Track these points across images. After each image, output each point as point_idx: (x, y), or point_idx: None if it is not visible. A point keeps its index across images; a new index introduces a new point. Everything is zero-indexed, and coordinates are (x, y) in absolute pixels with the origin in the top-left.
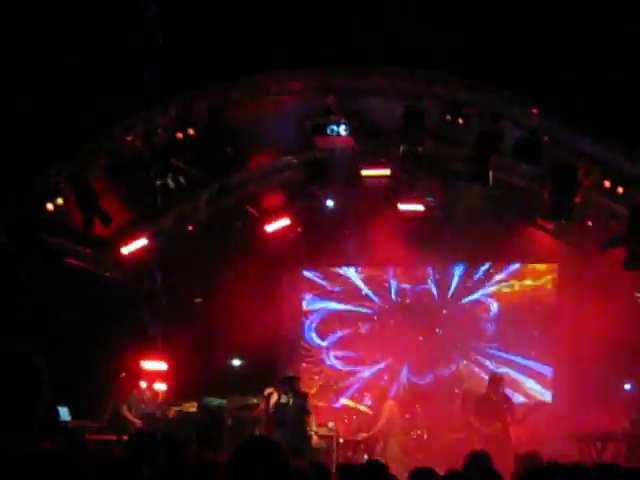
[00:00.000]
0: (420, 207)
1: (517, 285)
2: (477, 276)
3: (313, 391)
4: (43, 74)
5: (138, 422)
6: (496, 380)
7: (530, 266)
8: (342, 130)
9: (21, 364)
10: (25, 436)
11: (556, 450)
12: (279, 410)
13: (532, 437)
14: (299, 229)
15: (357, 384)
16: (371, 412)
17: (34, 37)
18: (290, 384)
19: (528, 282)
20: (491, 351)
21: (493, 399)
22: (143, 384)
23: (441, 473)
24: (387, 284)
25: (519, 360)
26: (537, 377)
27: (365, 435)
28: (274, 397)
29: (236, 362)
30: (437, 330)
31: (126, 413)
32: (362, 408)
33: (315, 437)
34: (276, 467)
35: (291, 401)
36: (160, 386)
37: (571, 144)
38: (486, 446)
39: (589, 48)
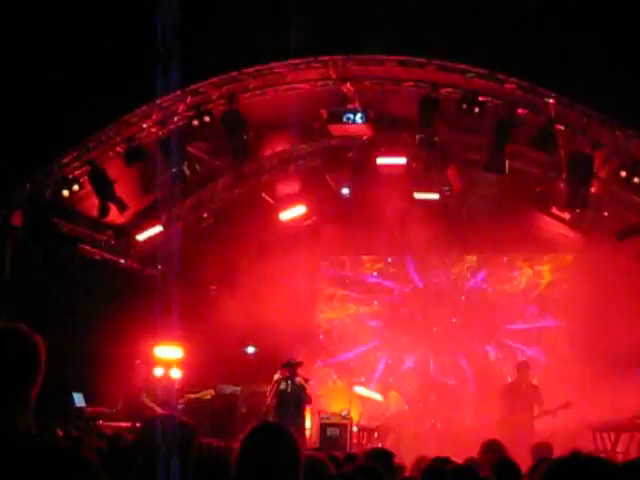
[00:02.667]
0: (435, 196)
1: (533, 273)
2: (493, 265)
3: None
4: (61, 60)
5: (157, 409)
6: (522, 367)
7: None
8: (358, 118)
9: (11, 340)
10: (9, 416)
11: (570, 440)
12: (279, 397)
13: (547, 427)
14: (314, 217)
15: (369, 373)
16: (384, 401)
17: (53, 22)
18: (290, 369)
19: (544, 268)
20: (505, 341)
21: (522, 388)
22: (159, 372)
23: (457, 461)
24: (401, 273)
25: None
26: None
27: (377, 423)
28: (282, 384)
29: (250, 350)
30: (453, 319)
31: (146, 401)
32: (375, 396)
33: (307, 434)
34: (286, 453)
35: (290, 388)
36: (176, 373)
37: (587, 133)
38: (508, 435)
39: (607, 39)
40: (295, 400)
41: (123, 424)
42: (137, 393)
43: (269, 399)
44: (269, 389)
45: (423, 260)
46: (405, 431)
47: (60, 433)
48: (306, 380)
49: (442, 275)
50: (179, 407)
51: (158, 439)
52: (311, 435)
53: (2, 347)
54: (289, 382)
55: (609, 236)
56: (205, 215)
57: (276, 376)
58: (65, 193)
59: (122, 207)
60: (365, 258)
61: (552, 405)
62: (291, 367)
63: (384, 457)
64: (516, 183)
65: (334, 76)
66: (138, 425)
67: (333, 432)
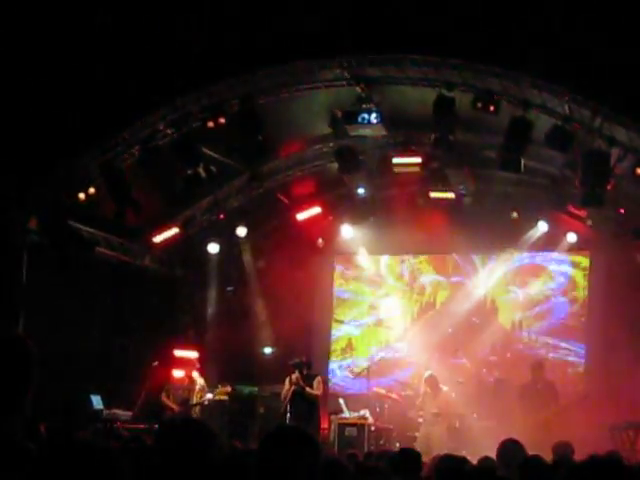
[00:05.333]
0: (451, 195)
1: (550, 272)
2: (510, 264)
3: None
4: (75, 62)
5: (176, 408)
6: (537, 366)
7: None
8: (373, 118)
9: (6, 348)
10: (4, 425)
11: (589, 439)
12: (293, 398)
13: (565, 426)
14: (330, 217)
15: (387, 372)
16: (401, 400)
17: (66, 24)
18: (300, 369)
19: (561, 267)
20: (524, 339)
21: (537, 387)
22: (180, 372)
23: (473, 461)
24: (418, 272)
25: (551, 348)
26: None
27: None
28: (294, 385)
29: (267, 350)
30: (474, 319)
31: (165, 400)
32: (394, 396)
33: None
34: (306, 457)
35: (302, 388)
36: (195, 374)
37: (603, 131)
38: (524, 434)
39: (622, 35)
40: (308, 400)
41: (141, 426)
42: (157, 393)
43: (283, 400)
44: (283, 391)
45: (440, 259)
46: (422, 430)
47: (81, 435)
48: (315, 376)
49: (460, 274)
50: (197, 406)
51: (175, 442)
52: (328, 435)
53: None
54: (301, 382)
55: (626, 234)
56: (221, 216)
57: (294, 376)
58: (81, 196)
59: (138, 209)
60: (381, 258)
61: (570, 401)
62: (301, 366)
63: (409, 457)
64: (533, 181)
65: (348, 76)
66: (156, 427)
67: (351, 432)
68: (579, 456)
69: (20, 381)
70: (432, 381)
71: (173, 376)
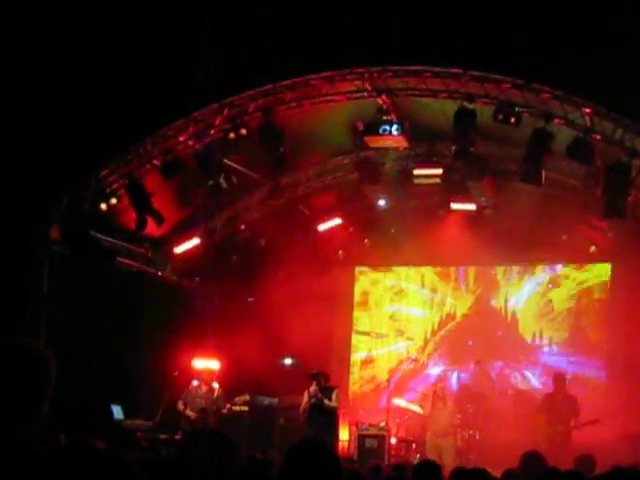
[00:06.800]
0: (472, 206)
1: (571, 284)
2: (531, 276)
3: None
4: (97, 74)
5: (193, 415)
6: (559, 378)
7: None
8: (394, 130)
9: (21, 356)
10: (19, 433)
11: (610, 451)
12: (311, 410)
13: (587, 436)
14: (351, 228)
15: (407, 384)
16: (422, 412)
17: (87, 36)
18: (318, 380)
19: (582, 279)
20: (545, 351)
21: (558, 399)
22: (197, 381)
23: (494, 473)
24: (438, 284)
25: (572, 360)
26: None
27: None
28: (313, 397)
29: (288, 361)
30: (495, 331)
31: (181, 408)
32: (414, 408)
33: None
34: (328, 471)
35: (320, 400)
36: (214, 384)
37: (624, 143)
38: (545, 446)
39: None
40: (327, 412)
41: (162, 436)
42: (175, 400)
43: (302, 413)
44: (302, 403)
45: (461, 271)
46: (443, 442)
47: (101, 445)
48: (333, 388)
49: (480, 285)
50: (215, 415)
51: (197, 455)
52: (348, 446)
53: (10, 364)
54: (319, 394)
55: None
56: (242, 227)
57: (312, 388)
58: (103, 206)
59: (159, 220)
60: (402, 269)
61: (585, 418)
62: (318, 378)
63: (431, 470)
64: (554, 193)
65: (370, 88)
66: (176, 437)
67: (371, 443)
68: (601, 469)
69: (34, 388)
70: (440, 393)
71: (191, 385)
